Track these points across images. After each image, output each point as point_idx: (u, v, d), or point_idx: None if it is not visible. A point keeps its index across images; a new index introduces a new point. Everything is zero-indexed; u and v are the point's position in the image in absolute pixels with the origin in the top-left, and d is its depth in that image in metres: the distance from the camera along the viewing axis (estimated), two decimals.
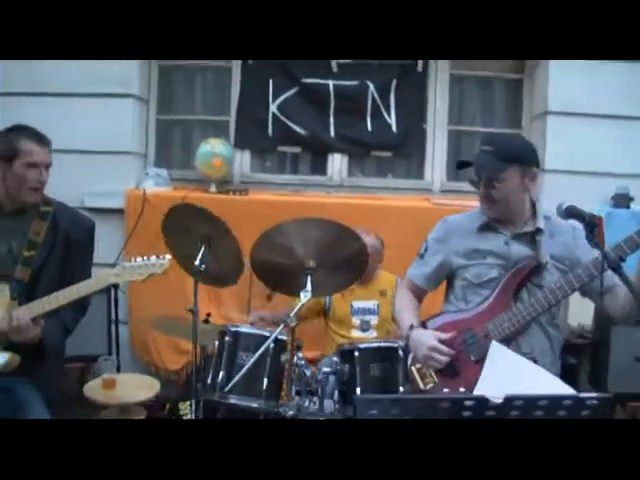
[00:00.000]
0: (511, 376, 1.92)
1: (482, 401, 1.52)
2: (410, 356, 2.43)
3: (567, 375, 3.58)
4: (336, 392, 2.92)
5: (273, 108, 4.43)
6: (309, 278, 2.72)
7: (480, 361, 2.21)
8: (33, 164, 2.40)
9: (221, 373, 2.82)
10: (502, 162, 2.28)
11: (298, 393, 2.83)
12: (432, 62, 4.43)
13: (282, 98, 4.43)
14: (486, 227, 2.40)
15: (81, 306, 2.55)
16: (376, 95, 4.41)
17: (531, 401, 1.55)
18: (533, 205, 2.44)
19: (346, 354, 2.91)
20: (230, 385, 2.63)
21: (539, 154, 2.52)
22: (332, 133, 4.45)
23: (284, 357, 2.80)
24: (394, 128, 4.44)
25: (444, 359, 2.27)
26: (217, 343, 2.95)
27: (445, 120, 4.49)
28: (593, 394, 1.56)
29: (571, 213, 2.10)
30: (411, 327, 2.38)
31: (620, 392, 3.50)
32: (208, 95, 4.59)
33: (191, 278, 3.90)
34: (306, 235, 2.77)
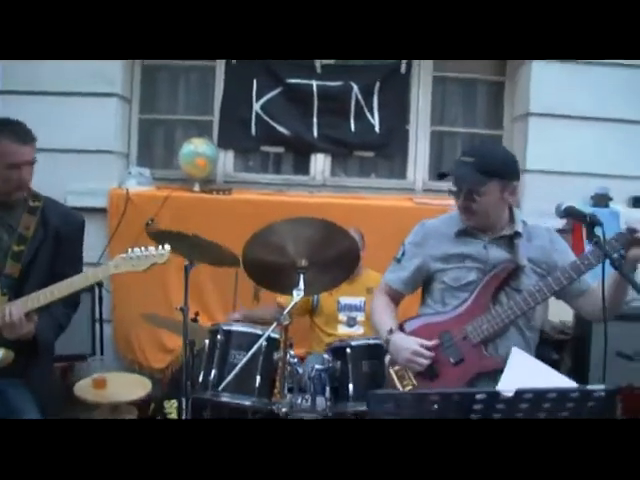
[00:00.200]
0: (530, 381, 1.92)
1: (493, 395, 1.54)
2: (387, 359, 2.42)
3: None
4: (328, 389, 2.92)
5: (257, 108, 4.43)
6: (302, 277, 2.73)
7: (459, 363, 2.26)
8: (14, 165, 2.33)
9: (213, 371, 2.82)
10: (483, 176, 2.24)
11: (290, 390, 2.83)
12: (415, 64, 4.47)
13: (266, 98, 4.43)
14: (464, 232, 2.39)
15: (73, 302, 2.51)
16: (359, 96, 4.43)
17: (540, 394, 1.58)
18: (510, 209, 2.42)
19: (338, 351, 2.93)
20: (224, 383, 2.61)
21: (520, 154, 2.53)
22: (315, 133, 4.46)
23: (276, 355, 2.80)
24: (377, 129, 4.47)
25: (426, 362, 2.26)
26: (208, 342, 2.93)
27: (428, 121, 4.54)
28: (600, 386, 1.59)
29: (570, 213, 2.11)
30: (390, 331, 2.36)
31: None
32: (191, 95, 4.57)
33: (173, 277, 3.98)
34: (298, 234, 2.79)
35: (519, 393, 1.54)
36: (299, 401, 2.81)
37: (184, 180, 4.35)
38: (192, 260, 2.84)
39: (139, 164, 4.43)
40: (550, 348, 3.92)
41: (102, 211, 4.06)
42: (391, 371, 2.37)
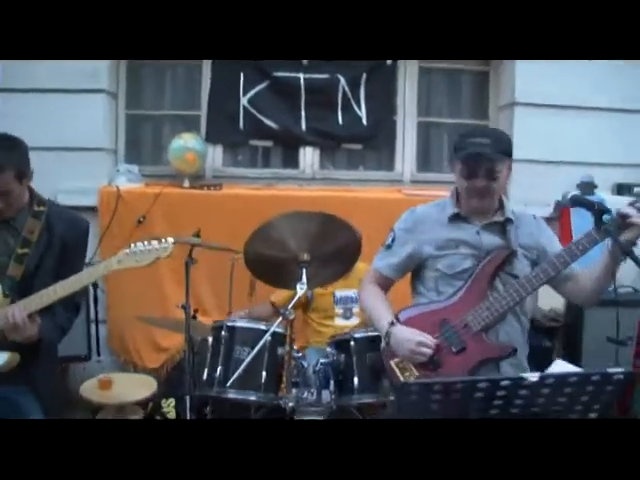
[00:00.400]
0: None
1: (518, 380, 1.58)
2: (385, 351, 2.39)
3: (541, 357, 3.75)
4: (332, 382, 2.94)
5: (244, 102, 4.41)
6: (304, 271, 2.75)
7: (460, 351, 2.26)
8: None
9: (219, 368, 2.81)
10: (500, 154, 2.30)
11: (296, 385, 2.84)
12: None
13: (253, 92, 4.41)
14: (457, 217, 2.40)
15: (74, 306, 2.48)
16: (346, 88, 4.43)
17: (562, 378, 1.62)
18: (500, 196, 2.45)
19: (341, 344, 2.95)
20: (232, 380, 2.61)
21: None
22: (303, 126, 4.46)
23: (281, 350, 2.82)
24: (364, 121, 4.48)
25: (429, 352, 2.26)
26: (211, 338, 2.93)
27: (414, 112, 4.56)
28: (619, 369, 1.63)
29: (577, 201, 2.16)
30: (392, 323, 2.34)
31: None
32: (178, 90, 4.52)
33: (167, 277, 3.96)
34: (298, 228, 2.80)
35: (543, 378, 1.58)
36: (305, 395, 2.82)
37: (173, 176, 4.32)
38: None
39: (127, 161, 4.39)
40: (542, 335, 4.00)
41: (92, 209, 4.01)
42: (392, 364, 2.35)
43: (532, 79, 4.25)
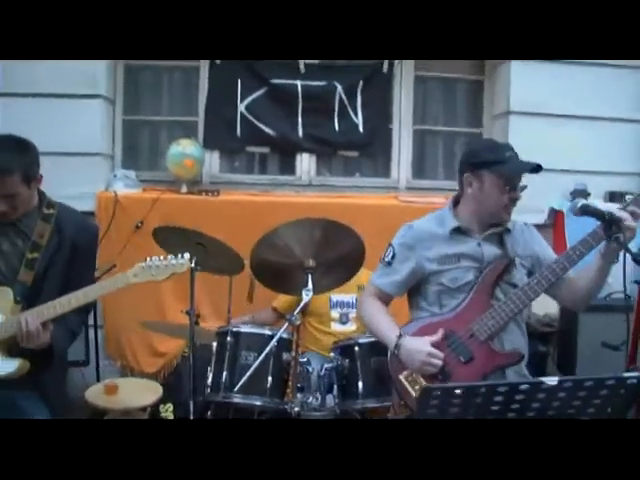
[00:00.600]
0: None
1: (537, 384, 1.61)
2: (393, 364, 2.33)
3: (537, 362, 3.80)
4: (335, 387, 2.96)
5: (241, 108, 4.43)
6: (309, 277, 2.78)
7: (469, 361, 2.26)
8: None
9: (224, 373, 2.82)
10: None
11: (301, 389, 2.86)
12: (397, 64, 4.54)
13: (250, 98, 4.44)
14: (458, 231, 2.39)
15: (85, 309, 2.48)
16: (343, 96, 4.48)
17: (578, 382, 1.65)
18: None
19: (345, 349, 2.97)
20: (239, 385, 2.63)
21: None
22: (300, 133, 4.49)
23: (286, 355, 2.84)
24: (361, 128, 4.53)
25: (440, 363, 2.24)
26: (215, 344, 2.94)
27: (410, 120, 4.61)
28: (634, 374, 1.67)
29: (587, 211, 2.18)
30: (400, 336, 2.29)
31: None
32: (175, 96, 4.54)
33: (165, 282, 3.94)
34: (304, 235, 2.83)
35: (561, 382, 1.62)
36: (310, 400, 2.84)
37: (170, 182, 4.33)
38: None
39: (124, 166, 4.39)
40: (537, 341, 4.05)
41: (90, 215, 4.00)
42: (401, 378, 2.29)
43: (526, 88, 4.32)
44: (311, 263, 2.82)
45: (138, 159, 4.53)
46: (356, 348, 2.92)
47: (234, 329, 2.91)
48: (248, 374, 2.58)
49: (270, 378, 2.79)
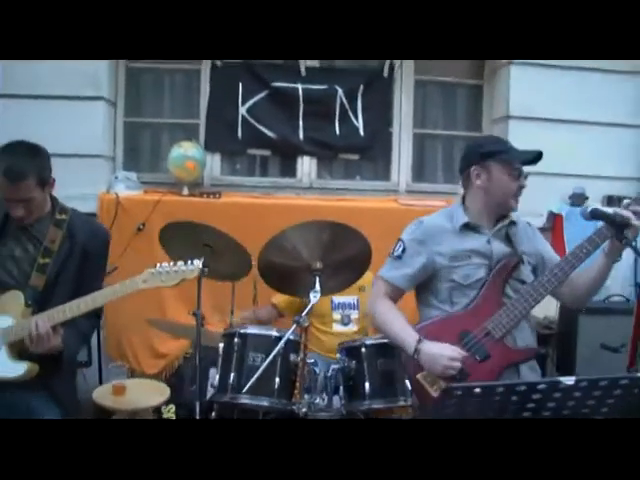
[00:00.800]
0: None
1: (554, 383, 1.63)
2: (409, 365, 2.32)
3: (536, 364, 3.83)
4: (341, 388, 2.97)
5: (242, 111, 4.45)
6: (317, 279, 2.79)
7: (485, 360, 2.26)
8: (6, 199, 2.29)
9: (232, 374, 2.82)
10: None
11: (308, 390, 2.87)
12: (397, 68, 4.58)
13: (252, 101, 4.46)
14: (467, 226, 2.39)
15: (95, 314, 2.48)
16: (344, 99, 4.51)
17: (594, 382, 1.68)
18: None
19: (352, 351, 2.98)
20: (248, 386, 2.64)
21: None
22: (301, 136, 4.52)
23: (294, 356, 2.85)
24: (361, 131, 4.56)
25: (460, 365, 2.23)
26: (222, 345, 2.95)
27: (410, 123, 4.65)
28: None
29: (597, 215, 2.22)
30: (420, 340, 2.27)
31: None
32: (177, 98, 4.56)
33: None
34: (311, 237, 2.85)
35: (578, 381, 1.64)
36: (317, 401, 2.86)
37: (171, 184, 4.34)
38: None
39: (125, 168, 4.40)
40: (537, 343, 4.08)
41: (92, 216, 3.99)
42: (419, 378, 2.28)
43: (526, 93, 4.37)
44: (318, 265, 2.84)
45: (139, 161, 4.54)
46: (363, 349, 2.93)
47: (241, 330, 2.91)
48: (257, 374, 2.59)
49: (278, 379, 2.79)
